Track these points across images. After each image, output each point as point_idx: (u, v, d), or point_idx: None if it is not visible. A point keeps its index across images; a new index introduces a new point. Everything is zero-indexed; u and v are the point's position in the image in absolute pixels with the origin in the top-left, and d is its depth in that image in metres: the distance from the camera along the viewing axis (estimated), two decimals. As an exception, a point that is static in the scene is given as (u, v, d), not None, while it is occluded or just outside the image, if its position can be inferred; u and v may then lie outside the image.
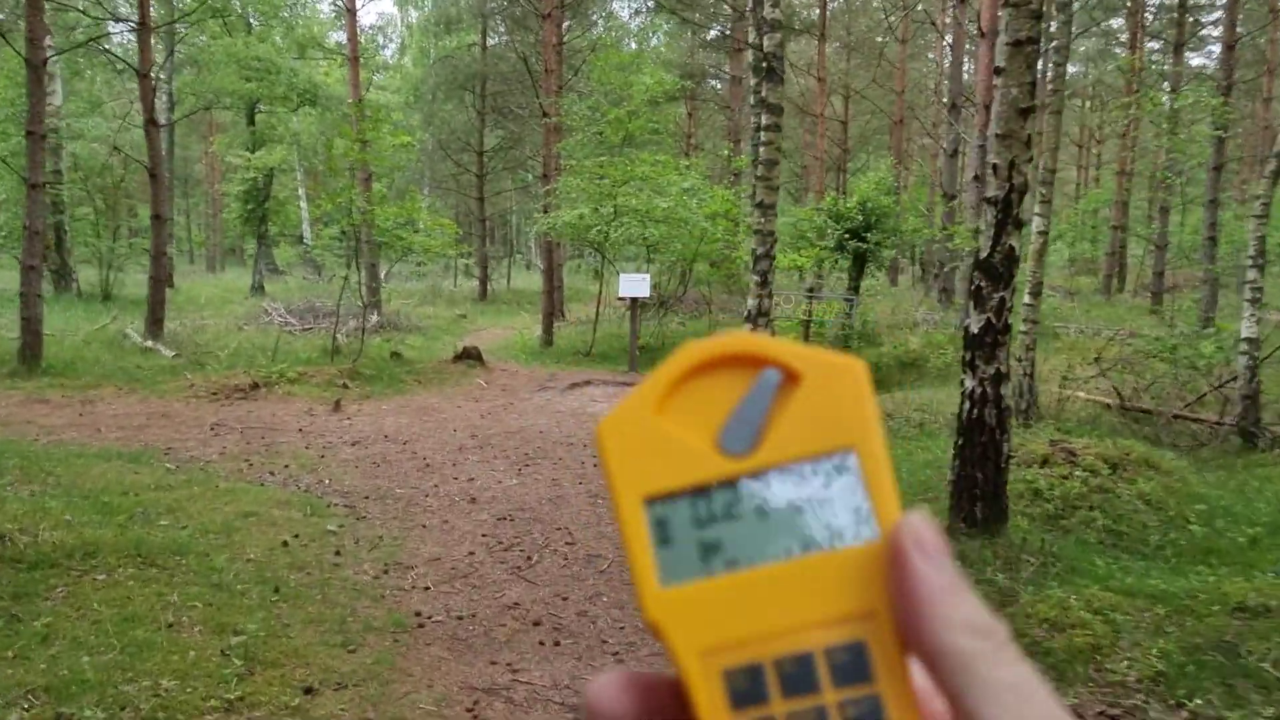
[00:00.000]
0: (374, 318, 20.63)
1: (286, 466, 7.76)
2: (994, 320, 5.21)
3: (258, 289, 29.86)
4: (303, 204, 37.55)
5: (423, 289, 33.04)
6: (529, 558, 5.74)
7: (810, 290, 13.30)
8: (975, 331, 5.29)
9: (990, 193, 5.25)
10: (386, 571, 5.36)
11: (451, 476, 7.65)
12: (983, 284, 5.20)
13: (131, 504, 6.13)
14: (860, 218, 13.22)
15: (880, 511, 0.37)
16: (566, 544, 6.03)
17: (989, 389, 5.27)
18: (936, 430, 8.98)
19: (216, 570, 5.04)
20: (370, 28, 49.14)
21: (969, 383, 5.34)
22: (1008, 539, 5.38)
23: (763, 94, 7.41)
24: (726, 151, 15.51)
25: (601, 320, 17.17)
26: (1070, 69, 31.10)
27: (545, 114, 16.14)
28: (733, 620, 0.37)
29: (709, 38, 32.39)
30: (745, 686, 0.36)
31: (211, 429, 9.11)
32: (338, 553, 5.59)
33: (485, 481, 7.54)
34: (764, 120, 6.65)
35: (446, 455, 8.47)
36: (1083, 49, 36.38)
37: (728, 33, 29.03)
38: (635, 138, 15.84)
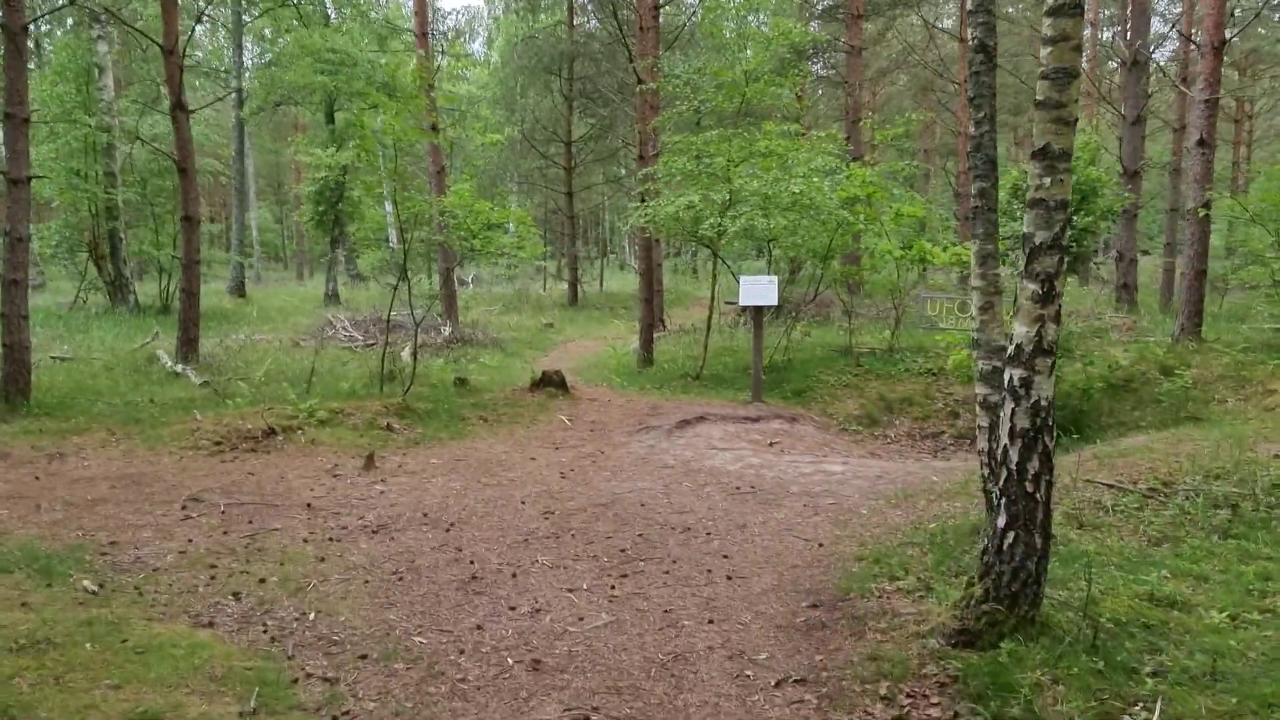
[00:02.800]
0: (445, 330, 18.31)
1: (262, 582, 5.21)
2: None
3: (332, 297, 28.12)
4: (388, 205, 35.99)
5: (509, 294, 30.82)
6: None
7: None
8: None
9: None
10: None
11: (507, 605, 4.96)
12: None
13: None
14: (1060, 196, 10.16)
15: None
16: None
17: None
18: (1258, 519, 5.82)
19: None
20: (453, 14, 47.35)
21: None
22: None
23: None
24: (838, 133, 12.42)
25: (712, 330, 14.37)
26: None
27: (640, 80, 13.40)
28: None
29: (821, 7, 29.17)
30: None
31: (184, 507, 6.66)
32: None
33: (559, 614, 4.82)
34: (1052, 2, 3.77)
35: (506, 554, 5.80)
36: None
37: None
38: (754, 106, 12.98)
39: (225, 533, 6.10)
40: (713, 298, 12.77)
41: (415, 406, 10.33)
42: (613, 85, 27.04)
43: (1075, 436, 10.32)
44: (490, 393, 11.60)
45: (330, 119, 30.92)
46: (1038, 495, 4.11)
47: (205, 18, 29.34)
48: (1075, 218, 10.15)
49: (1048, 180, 3.83)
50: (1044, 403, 4.02)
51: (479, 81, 44.39)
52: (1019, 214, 10.31)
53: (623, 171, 34.46)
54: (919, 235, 16.21)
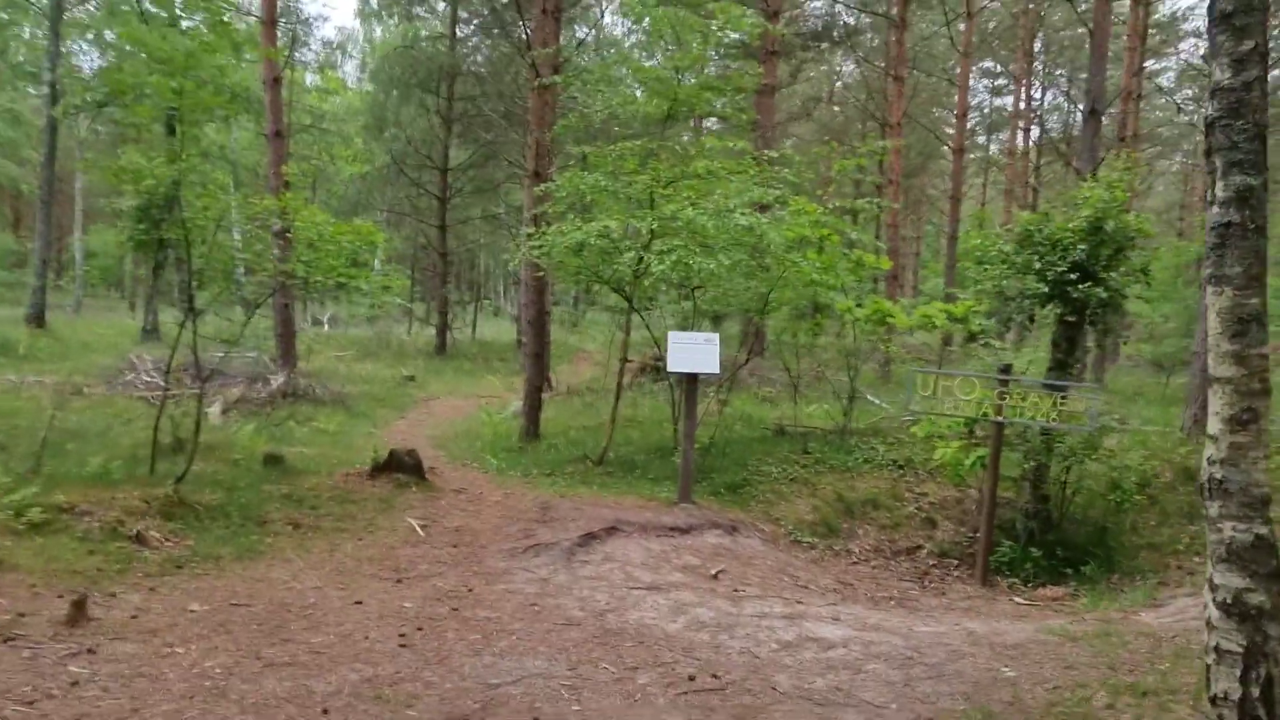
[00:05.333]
0: (278, 379, 14.93)
1: None
2: None
3: (150, 333, 24.07)
4: (235, 232, 32.04)
5: (367, 338, 27.35)
6: None
7: (1004, 370, 7.84)
8: None
9: None
10: None
11: None
12: None
13: None
14: (1084, 249, 7.90)
15: None
16: None
17: None
18: None
19: None
20: (319, 20, 43.89)
21: None
22: None
23: None
24: (792, 153, 10.03)
25: (607, 395, 11.58)
26: None
27: (537, 73, 10.68)
28: None
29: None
30: None
31: None
32: None
33: None
34: None
35: None
36: None
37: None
38: (686, 111, 10.44)
39: None
40: (623, 360, 10.03)
41: (194, 500, 7.15)
42: (498, 109, 24.35)
43: (1104, 568, 8.00)
44: (314, 477, 8.48)
45: (171, 130, 27.02)
46: None
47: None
48: (1104, 277, 7.93)
49: None
50: None
51: (351, 109, 41.00)
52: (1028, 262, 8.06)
53: (503, 209, 31.60)
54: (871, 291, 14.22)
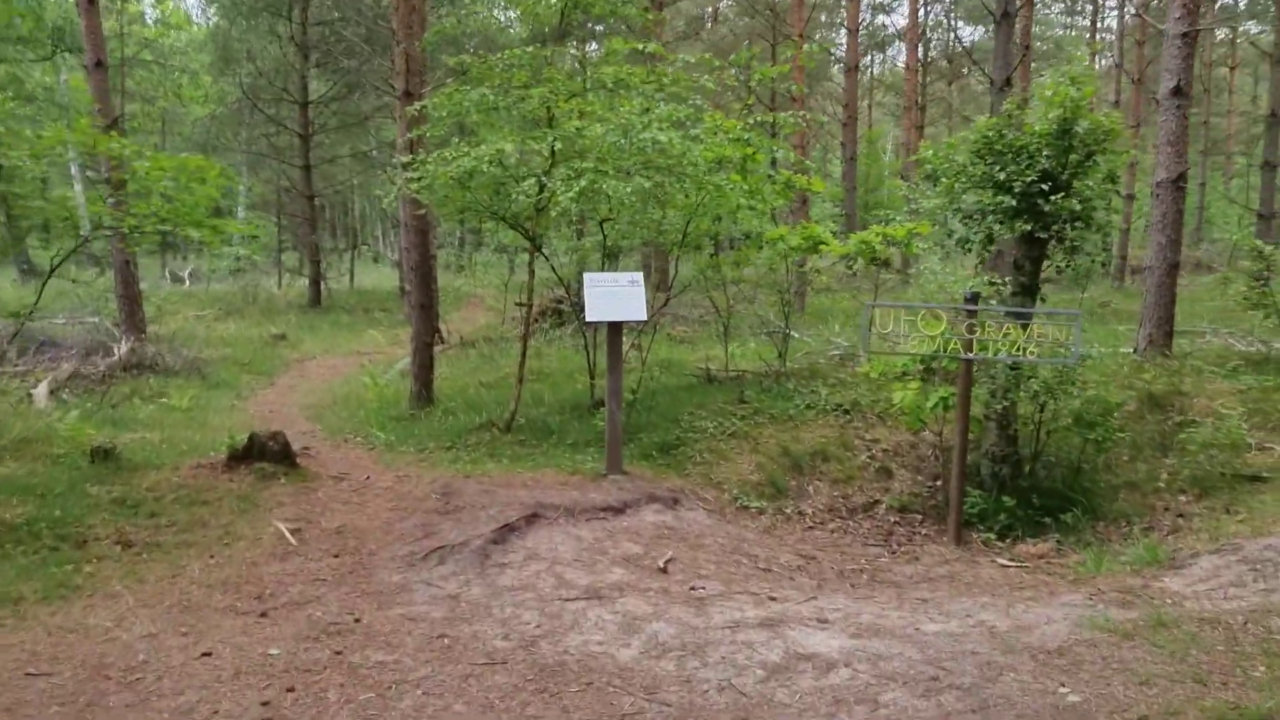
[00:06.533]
0: (122, 347, 13.02)
1: None
2: None
3: (-30, 299, 21.33)
4: (76, 185, 28.79)
5: (232, 293, 25.03)
6: None
7: (971, 299, 6.83)
8: None
9: None
10: None
11: None
12: None
13: None
14: (1050, 155, 6.91)
15: None
16: None
17: None
18: None
19: None
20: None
21: None
22: None
23: None
24: (711, 58, 8.70)
25: (505, 345, 10.22)
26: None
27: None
28: None
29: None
30: None
31: None
32: None
33: None
34: None
35: None
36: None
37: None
38: (582, 12, 8.92)
39: None
40: (528, 306, 8.65)
41: (-12, 520, 5.59)
42: (359, 32, 22.14)
43: (1086, 515, 7.20)
44: (155, 473, 6.93)
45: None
46: None
47: None
48: (1071, 188, 6.97)
49: None
50: None
51: (196, 42, 37.50)
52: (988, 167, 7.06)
53: (374, 146, 29.30)
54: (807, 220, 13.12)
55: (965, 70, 43.20)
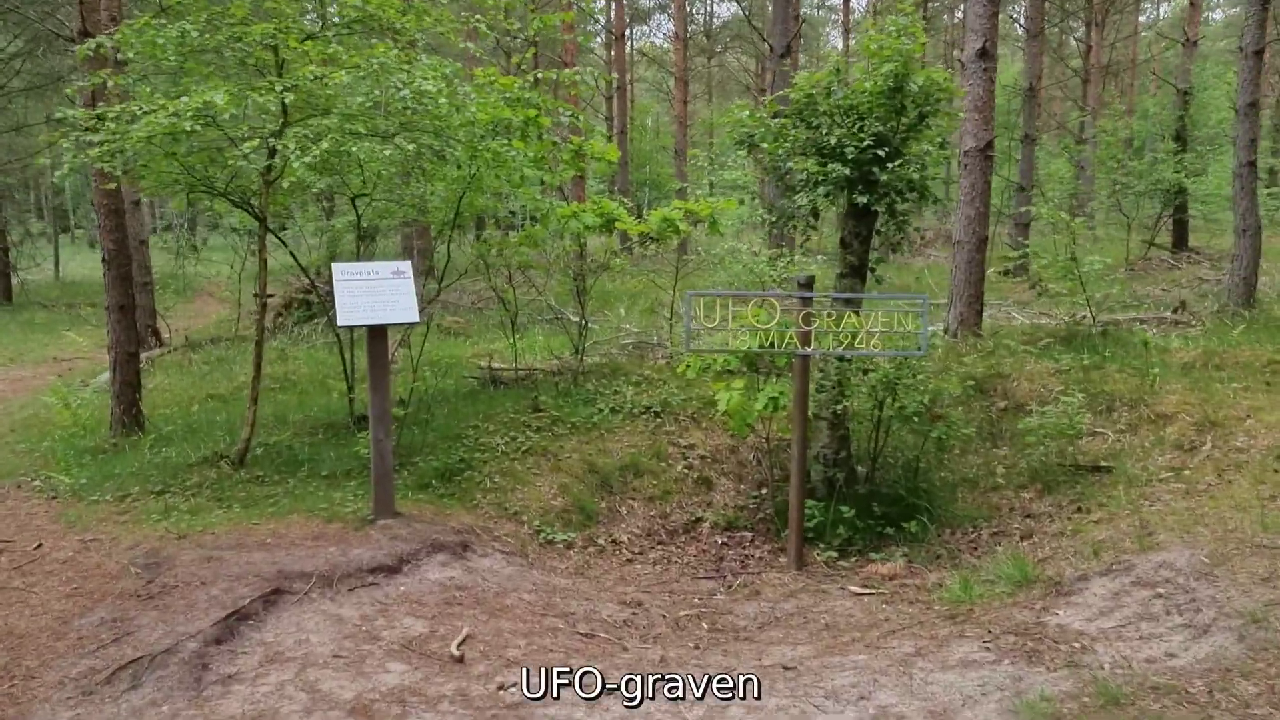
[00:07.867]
0: None
1: None
2: None
3: None
4: None
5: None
6: None
7: (807, 284, 5.90)
8: None
9: None
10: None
11: None
12: None
13: None
14: (880, 116, 6.09)
15: None
16: None
17: None
18: None
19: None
20: None
21: None
22: None
23: None
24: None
25: (242, 345, 8.29)
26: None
27: None
28: None
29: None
30: None
31: None
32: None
33: None
34: None
35: None
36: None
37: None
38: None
39: None
40: (262, 300, 6.92)
41: None
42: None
43: (930, 522, 6.51)
44: None
45: None
46: None
47: None
48: (912, 149, 6.20)
49: None
50: None
51: None
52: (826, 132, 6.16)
53: (73, 111, 25.30)
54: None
55: (723, 47, 43.87)
